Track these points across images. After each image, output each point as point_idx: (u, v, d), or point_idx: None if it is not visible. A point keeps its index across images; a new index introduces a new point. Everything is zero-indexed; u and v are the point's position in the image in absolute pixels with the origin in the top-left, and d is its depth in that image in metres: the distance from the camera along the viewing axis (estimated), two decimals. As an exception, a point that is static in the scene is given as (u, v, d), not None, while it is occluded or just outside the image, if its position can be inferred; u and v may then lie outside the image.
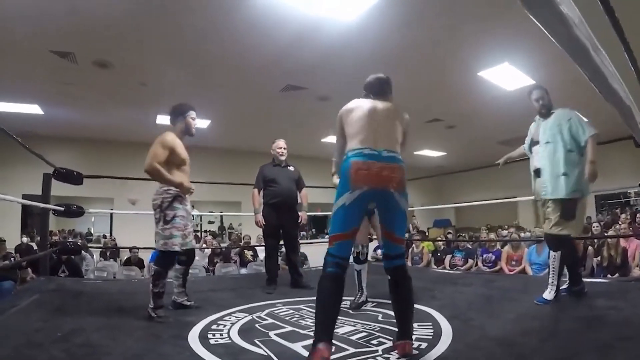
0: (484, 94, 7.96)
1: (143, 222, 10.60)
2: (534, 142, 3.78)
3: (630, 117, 1.35)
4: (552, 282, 3.42)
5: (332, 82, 7.24)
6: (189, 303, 3.74)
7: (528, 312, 3.18)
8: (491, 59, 6.51)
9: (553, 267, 3.48)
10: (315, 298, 2.23)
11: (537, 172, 3.68)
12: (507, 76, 7.19)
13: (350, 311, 3.49)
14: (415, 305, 3.44)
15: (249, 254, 9.11)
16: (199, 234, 13.54)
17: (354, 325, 2.98)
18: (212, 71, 6.72)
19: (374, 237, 5.82)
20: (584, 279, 3.76)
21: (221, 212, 13.36)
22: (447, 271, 6.81)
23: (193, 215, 4.38)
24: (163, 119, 8.87)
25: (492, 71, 7.01)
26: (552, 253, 3.51)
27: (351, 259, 3.13)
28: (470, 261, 8.05)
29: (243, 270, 8.45)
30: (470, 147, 12.63)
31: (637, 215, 9.73)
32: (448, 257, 8.49)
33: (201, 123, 9.32)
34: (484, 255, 7.85)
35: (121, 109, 8.30)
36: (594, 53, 0.95)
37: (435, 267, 8.29)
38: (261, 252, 9.53)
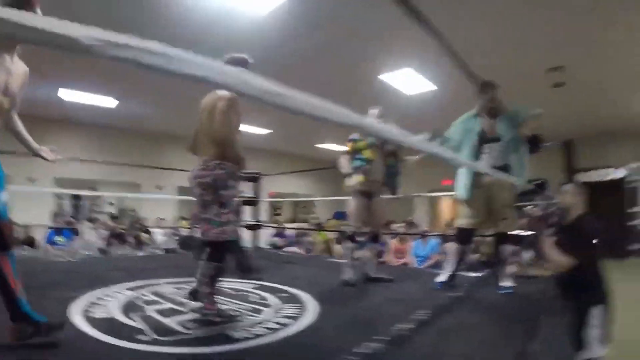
0: (384, 96, 8.34)
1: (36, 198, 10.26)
2: (489, 139, 3.81)
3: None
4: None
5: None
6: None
7: (395, 297, 3.60)
8: (393, 63, 6.93)
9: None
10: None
11: (502, 168, 3.70)
12: (408, 81, 7.63)
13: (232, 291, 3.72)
14: (289, 288, 3.79)
15: (145, 236, 9.12)
16: (98, 215, 13.19)
17: (227, 305, 3.21)
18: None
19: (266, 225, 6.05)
20: (463, 273, 4.31)
21: (124, 193, 13.08)
22: (337, 260, 7.15)
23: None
24: (65, 93, 8.54)
25: (393, 75, 7.43)
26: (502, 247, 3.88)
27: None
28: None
29: (140, 254, 8.43)
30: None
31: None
32: (338, 247, 8.82)
33: (109, 102, 9.06)
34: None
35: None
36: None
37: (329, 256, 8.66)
38: (158, 235, 9.58)
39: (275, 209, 19.79)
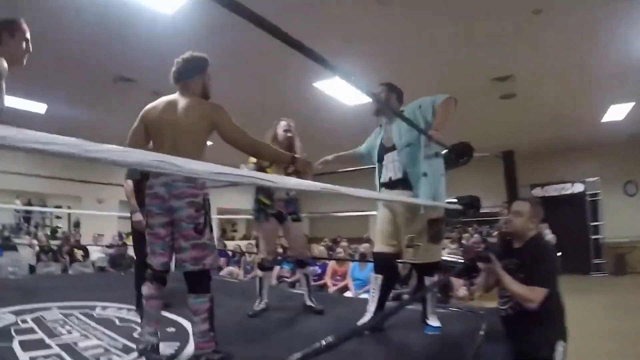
0: (320, 106, 8.24)
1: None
2: (387, 149, 3.19)
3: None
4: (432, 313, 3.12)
5: (161, 77, 7.11)
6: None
7: (294, 337, 3.14)
8: (325, 70, 6.67)
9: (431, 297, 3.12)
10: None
11: (391, 184, 3.12)
12: (345, 90, 7.32)
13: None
14: (183, 321, 3.41)
15: (79, 253, 8.73)
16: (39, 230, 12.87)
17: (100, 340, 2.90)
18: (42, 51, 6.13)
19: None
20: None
21: (69, 207, 12.83)
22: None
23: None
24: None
25: (328, 83, 7.13)
26: (427, 279, 3.11)
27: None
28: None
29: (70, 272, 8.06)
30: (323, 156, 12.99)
31: (463, 236, 10.38)
32: (277, 268, 8.50)
33: (38, 107, 8.44)
34: (311, 268, 7.81)
35: None
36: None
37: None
38: (94, 253, 9.19)
39: (232, 225, 19.31)
